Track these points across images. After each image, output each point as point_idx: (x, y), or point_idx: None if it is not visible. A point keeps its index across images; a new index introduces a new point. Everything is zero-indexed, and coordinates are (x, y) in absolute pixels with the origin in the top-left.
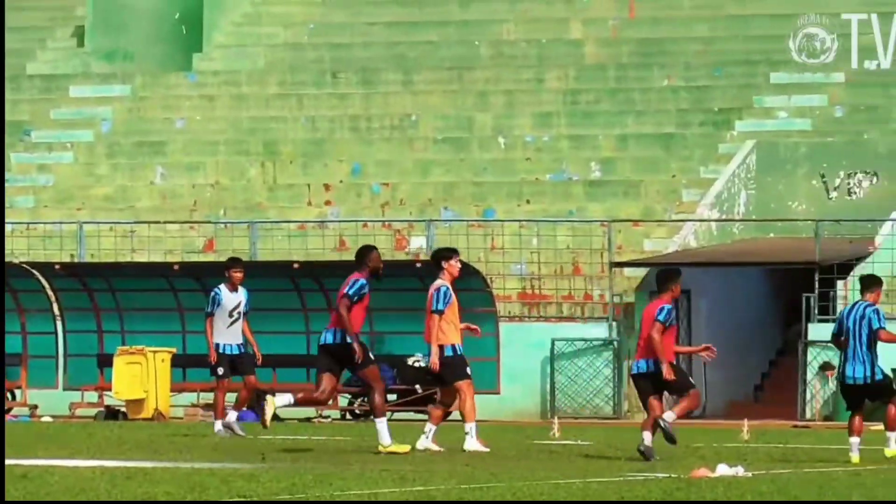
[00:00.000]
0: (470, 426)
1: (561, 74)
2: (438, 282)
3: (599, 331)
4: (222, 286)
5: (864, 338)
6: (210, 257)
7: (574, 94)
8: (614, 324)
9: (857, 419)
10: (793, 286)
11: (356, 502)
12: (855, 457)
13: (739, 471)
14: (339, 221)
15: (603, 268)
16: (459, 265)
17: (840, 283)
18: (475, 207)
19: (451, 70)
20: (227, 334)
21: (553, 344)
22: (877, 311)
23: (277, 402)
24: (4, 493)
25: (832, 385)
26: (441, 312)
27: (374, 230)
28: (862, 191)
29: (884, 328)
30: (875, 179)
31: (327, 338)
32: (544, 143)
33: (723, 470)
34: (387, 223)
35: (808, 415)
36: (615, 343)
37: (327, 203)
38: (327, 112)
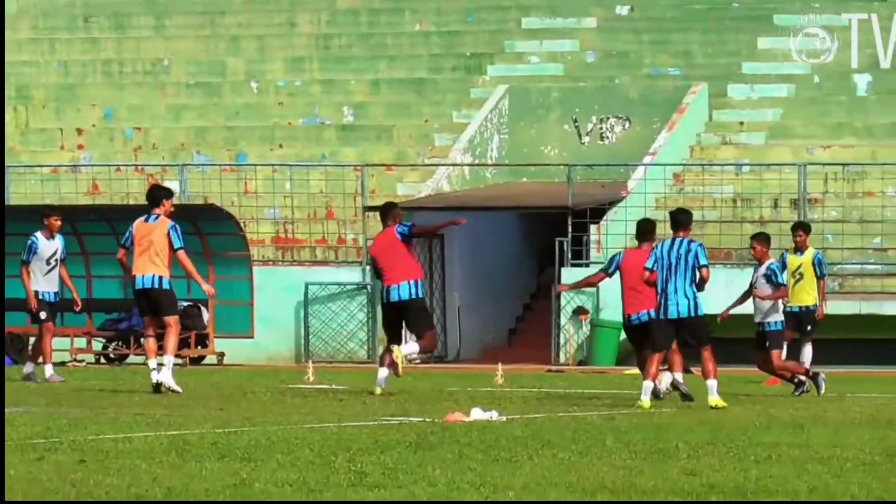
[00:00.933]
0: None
1: (313, 19)
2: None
3: (353, 275)
4: (38, 234)
5: (689, 273)
6: None
7: (326, 38)
8: (368, 268)
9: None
10: (546, 231)
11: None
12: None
13: (494, 415)
14: (92, 165)
15: (356, 212)
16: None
17: (593, 228)
18: (228, 152)
19: (204, 15)
20: (45, 282)
21: (307, 288)
22: (702, 247)
23: (404, 351)
24: (4, 493)
25: (586, 329)
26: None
27: (127, 174)
28: (614, 135)
29: (708, 266)
30: (627, 125)
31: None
32: (297, 88)
33: (477, 414)
34: (139, 167)
35: (562, 359)
36: (369, 287)
37: (80, 147)
38: (80, 56)
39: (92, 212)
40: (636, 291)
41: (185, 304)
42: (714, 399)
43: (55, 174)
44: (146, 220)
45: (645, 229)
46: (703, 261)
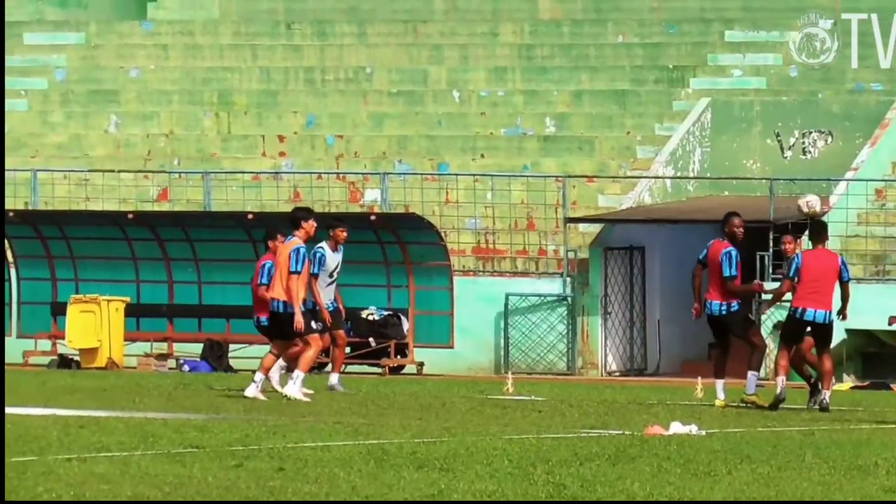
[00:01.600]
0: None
1: (515, 29)
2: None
3: (553, 286)
4: (325, 244)
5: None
6: (164, 207)
7: (528, 48)
8: (568, 280)
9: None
10: (748, 244)
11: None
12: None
13: (693, 429)
14: (294, 173)
15: (557, 223)
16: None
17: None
18: (429, 161)
19: (406, 23)
20: (325, 294)
21: (507, 299)
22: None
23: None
24: (4, 493)
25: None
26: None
27: (328, 182)
28: (816, 150)
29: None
30: (829, 139)
31: None
32: (499, 98)
33: (676, 428)
34: (341, 175)
35: (762, 373)
36: (569, 299)
37: (281, 154)
38: (281, 63)
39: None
40: (813, 290)
41: (386, 313)
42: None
43: (256, 181)
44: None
45: (817, 230)
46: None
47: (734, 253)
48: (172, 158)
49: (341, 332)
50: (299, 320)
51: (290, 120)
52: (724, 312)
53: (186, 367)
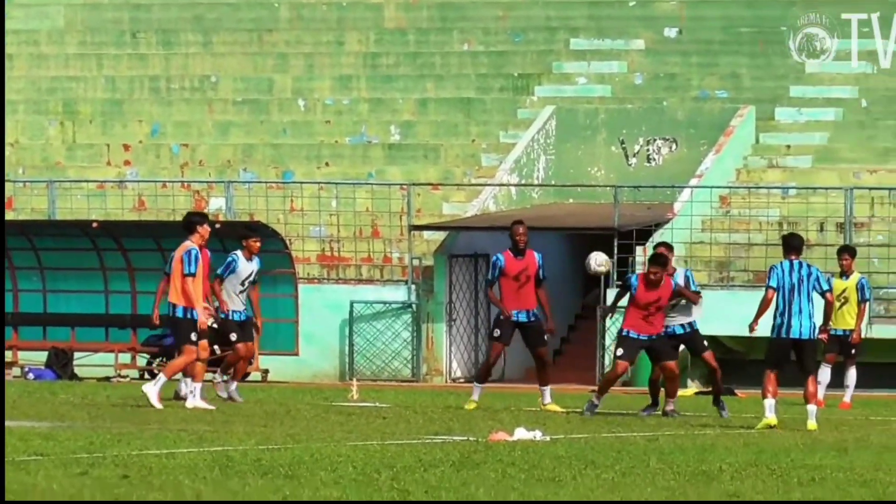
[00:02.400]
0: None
1: (361, 37)
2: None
3: (398, 294)
4: (239, 253)
5: (811, 296)
6: (9, 216)
7: (374, 57)
8: (413, 287)
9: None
10: (592, 252)
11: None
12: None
13: (537, 435)
14: (139, 182)
15: (402, 231)
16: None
17: (639, 249)
18: (274, 170)
19: (251, 32)
20: (237, 301)
21: (352, 306)
22: (822, 273)
23: None
24: (4, 493)
25: None
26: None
27: (173, 190)
28: (661, 157)
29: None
30: (674, 146)
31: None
32: (344, 106)
33: (521, 434)
34: (186, 184)
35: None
36: (414, 306)
37: (126, 163)
38: (127, 72)
39: (137, 228)
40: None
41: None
42: (812, 424)
43: (101, 189)
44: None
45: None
46: (825, 286)
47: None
48: (17, 167)
49: (250, 344)
50: (202, 320)
51: (136, 129)
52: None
53: (31, 375)
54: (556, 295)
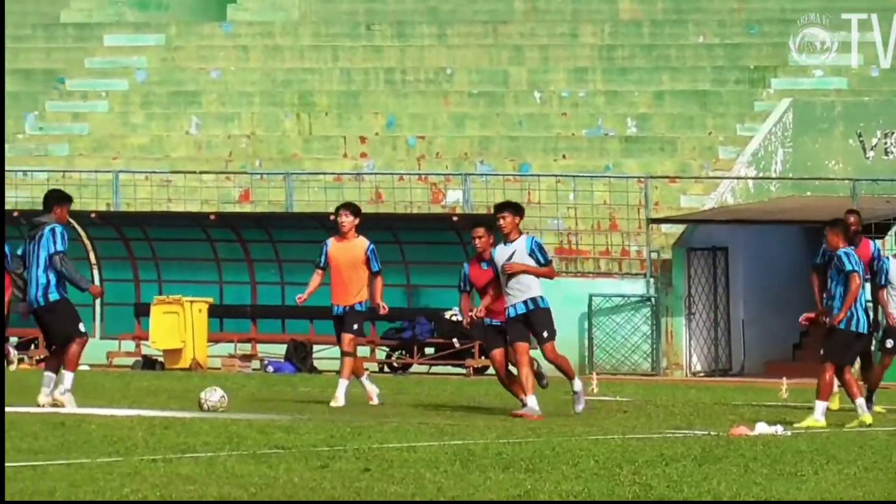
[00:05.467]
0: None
1: (596, 30)
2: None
3: (637, 287)
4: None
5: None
6: (246, 208)
7: (609, 49)
8: (651, 280)
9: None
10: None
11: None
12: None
13: (778, 429)
14: (375, 174)
15: (640, 224)
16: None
17: (878, 243)
18: (510, 162)
19: (486, 24)
20: None
21: (590, 299)
22: None
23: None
24: (4, 493)
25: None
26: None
27: (409, 183)
28: None
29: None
30: None
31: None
32: (580, 99)
33: (762, 428)
34: (423, 176)
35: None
36: (653, 299)
37: (363, 155)
38: (361, 64)
39: (374, 220)
40: None
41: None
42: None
43: (338, 182)
44: None
45: None
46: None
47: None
48: (254, 159)
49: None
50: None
51: (371, 121)
52: None
53: (271, 368)
54: (796, 288)
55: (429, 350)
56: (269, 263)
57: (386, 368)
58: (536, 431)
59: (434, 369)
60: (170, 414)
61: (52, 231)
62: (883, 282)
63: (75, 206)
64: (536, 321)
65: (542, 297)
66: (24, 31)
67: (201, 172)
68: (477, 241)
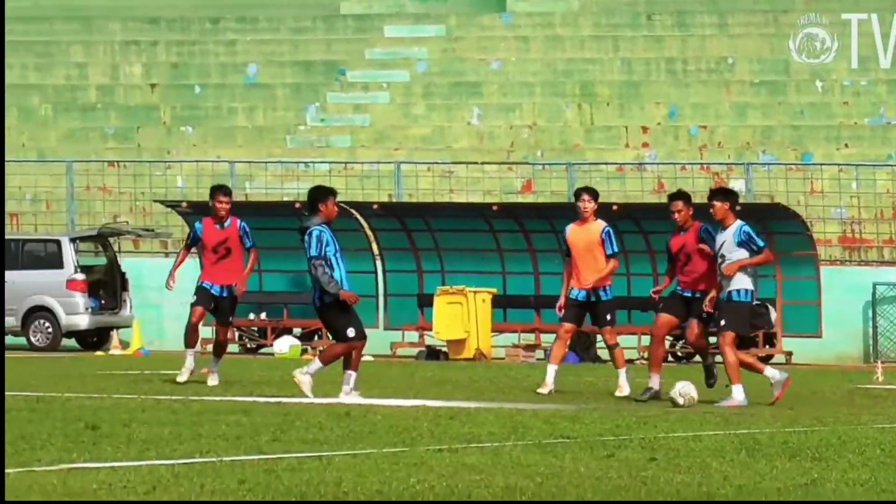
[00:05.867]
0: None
1: (880, 17)
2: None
3: None
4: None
5: None
6: (528, 198)
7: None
8: None
9: None
10: None
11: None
12: None
13: None
14: (658, 164)
15: None
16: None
17: None
18: (793, 151)
19: (767, 13)
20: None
21: (874, 288)
22: None
23: None
24: (4, 493)
25: None
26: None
27: (692, 173)
28: None
29: None
30: None
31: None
32: (862, 87)
33: None
34: (705, 166)
35: None
36: None
37: (644, 145)
38: (643, 54)
39: (656, 210)
40: None
41: (755, 303)
42: None
43: (620, 172)
44: None
45: None
46: None
47: None
48: (536, 150)
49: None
50: None
51: (653, 111)
52: None
53: None
54: None
55: (711, 340)
56: (553, 254)
57: (670, 357)
58: (822, 420)
59: (718, 359)
60: (454, 404)
61: (310, 235)
62: None
63: (357, 198)
64: (723, 314)
65: (743, 289)
66: (305, 23)
67: (483, 163)
68: (676, 214)
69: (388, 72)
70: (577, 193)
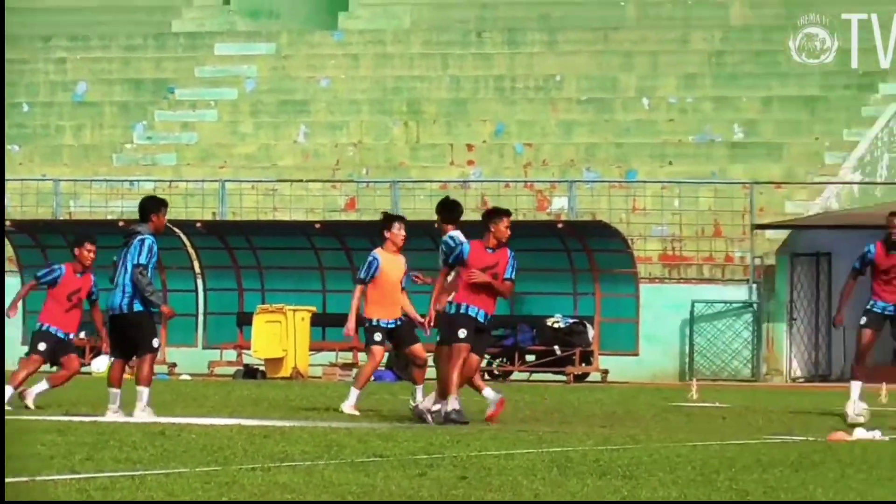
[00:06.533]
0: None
1: (707, 36)
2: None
3: (739, 293)
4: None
5: None
6: (352, 216)
7: (719, 55)
8: (755, 286)
9: None
10: None
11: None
12: None
13: (877, 434)
14: (482, 181)
15: (744, 230)
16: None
17: None
18: (617, 168)
19: (597, 31)
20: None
21: (693, 306)
22: None
23: None
24: (4, 493)
25: None
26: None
27: (515, 190)
28: None
29: None
30: None
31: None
32: (688, 105)
33: (860, 434)
34: (528, 183)
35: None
36: (755, 305)
37: (470, 163)
38: (471, 72)
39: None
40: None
41: (572, 320)
42: None
43: (444, 189)
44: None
45: None
46: None
47: None
48: (361, 168)
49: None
50: None
51: (479, 128)
52: None
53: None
54: None
55: (530, 357)
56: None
57: (487, 376)
58: (635, 438)
59: (535, 376)
60: (269, 423)
61: (142, 242)
62: None
63: (181, 216)
64: None
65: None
66: (136, 40)
67: (307, 181)
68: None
69: (216, 90)
70: (392, 219)
